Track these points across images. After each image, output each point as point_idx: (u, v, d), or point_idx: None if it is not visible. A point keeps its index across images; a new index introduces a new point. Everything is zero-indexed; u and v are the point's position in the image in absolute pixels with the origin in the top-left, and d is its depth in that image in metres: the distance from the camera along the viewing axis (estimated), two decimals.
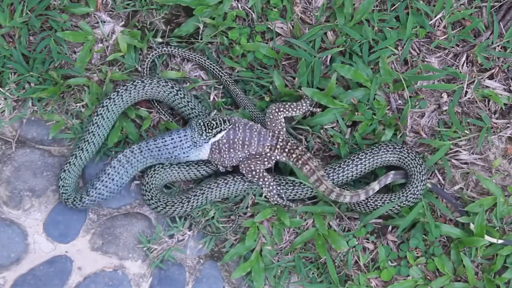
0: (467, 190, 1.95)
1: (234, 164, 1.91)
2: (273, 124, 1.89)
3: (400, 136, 1.95)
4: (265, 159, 1.88)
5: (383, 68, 1.93)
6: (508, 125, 1.97)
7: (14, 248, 1.93)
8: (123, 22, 2.05)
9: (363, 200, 1.89)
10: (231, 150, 1.88)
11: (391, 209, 1.89)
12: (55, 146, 2.02)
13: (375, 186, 1.89)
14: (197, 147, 1.87)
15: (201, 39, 2.01)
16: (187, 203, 1.90)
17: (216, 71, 2.00)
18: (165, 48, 1.99)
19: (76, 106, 2.01)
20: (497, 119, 1.98)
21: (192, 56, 2.00)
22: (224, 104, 2.04)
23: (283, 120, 1.90)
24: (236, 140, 1.87)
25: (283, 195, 1.92)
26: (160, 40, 2.03)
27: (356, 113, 1.94)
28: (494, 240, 1.86)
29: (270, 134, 1.89)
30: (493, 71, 1.98)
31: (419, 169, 1.88)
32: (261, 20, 2.02)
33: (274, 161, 1.90)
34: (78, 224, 1.97)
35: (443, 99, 1.99)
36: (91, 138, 1.92)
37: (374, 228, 1.96)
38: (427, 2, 2.00)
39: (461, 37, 1.98)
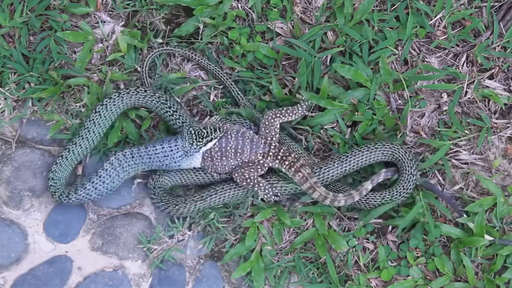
0: (467, 190, 1.95)
1: (227, 171, 1.91)
2: (267, 130, 1.90)
3: (400, 136, 1.95)
4: (258, 166, 1.89)
5: (383, 68, 1.93)
6: (508, 125, 1.97)
7: (14, 248, 1.93)
8: (123, 22, 2.05)
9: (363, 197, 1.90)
10: (224, 158, 1.88)
11: (386, 200, 1.90)
12: (55, 146, 2.02)
13: (368, 185, 1.89)
14: (188, 156, 1.87)
15: (201, 39, 2.01)
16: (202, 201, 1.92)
17: (205, 64, 2.00)
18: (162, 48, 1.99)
19: (76, 106, 2.01)
20: (497, 119, 1.98)
21: (181, 52, 2.00)
22: (225, 104, 2.04)
23: (278, 126, 1.90)
24: (228, 148, 1.87)
25: (279, 194, 1.92)
26: (160, 40, 2.03)
27: (356, 113, 1.95)
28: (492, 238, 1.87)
29: (262, 141, 1.89)
30: (493, 71, 1.98)
31: (409, 163, 1.89)
32: (261, 20, 2.01)
33: (267, 168, 1.90)
34: (78, 224, 1.97)
35: (443, 99, 1.99)
36: (86, 134, 1.92)
37: (374, 228, 1.96)
38: (427, 2, 2.00)
39: (461, 37, 1.98)
